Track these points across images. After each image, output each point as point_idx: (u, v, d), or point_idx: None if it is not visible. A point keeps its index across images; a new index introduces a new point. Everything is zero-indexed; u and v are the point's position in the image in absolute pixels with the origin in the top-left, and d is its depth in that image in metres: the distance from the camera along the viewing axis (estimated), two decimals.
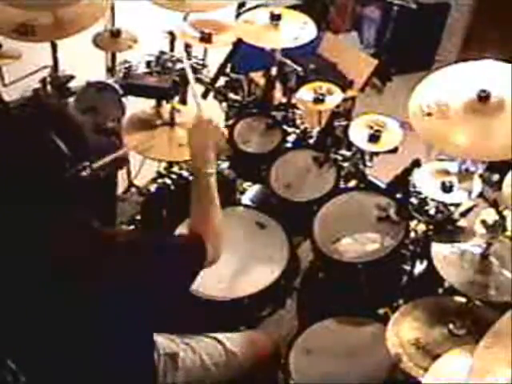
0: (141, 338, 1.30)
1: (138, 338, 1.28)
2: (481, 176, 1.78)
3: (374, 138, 1.99)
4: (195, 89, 1.65)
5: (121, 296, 1.17)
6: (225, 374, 1.56)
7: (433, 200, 1.82)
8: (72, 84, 2.12)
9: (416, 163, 1.86)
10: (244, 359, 1.58)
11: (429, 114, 1.46)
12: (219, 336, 1.60)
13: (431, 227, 1.81)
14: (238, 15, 2.62)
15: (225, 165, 2.24)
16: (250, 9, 2.56)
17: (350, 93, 3.48)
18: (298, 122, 2.31)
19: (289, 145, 2.23)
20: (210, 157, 1.47)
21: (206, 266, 1.36)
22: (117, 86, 2.02)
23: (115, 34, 2.26)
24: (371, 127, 2.00)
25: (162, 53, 2.25)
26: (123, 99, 2.02)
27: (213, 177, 1.46)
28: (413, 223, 1.86)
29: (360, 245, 1.81)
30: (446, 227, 1.75)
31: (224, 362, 1.56)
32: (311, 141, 2.26)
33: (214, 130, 1.51)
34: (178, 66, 2.26)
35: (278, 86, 2.39)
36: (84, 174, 1.17)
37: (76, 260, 1.14)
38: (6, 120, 1.19)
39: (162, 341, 1.52)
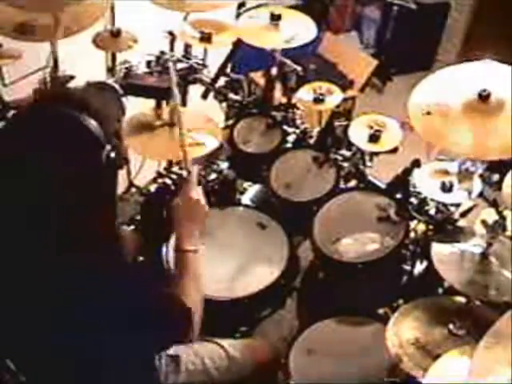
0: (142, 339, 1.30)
1: (139, 337, 1.28)
2: (481, 176, 1.78)
3: (374, 137, 1.99)
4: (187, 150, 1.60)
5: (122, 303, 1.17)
6: (226, 379, 1.56)
7: (433, 200, 1.82)
8: (72, 84, 2.12)
9: (416, 163, 1.86)
10: (244, 364, 1.58)
11: (428, 113, 1.46)
12: (221, 341, 1.61)
13: (431, 227, 1.81)
14: (238, 15, 2.62)
15: (225, 165, 2.24)
16: (249, 9, 2.56)
17: (350, 93, 3.48)
18: (298, 122, 2.31)
19: (289, 145, 2.23)
20: (194, 234, 1.41)
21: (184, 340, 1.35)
22: (117, 86, 2.02)
23: (115, 33, 2.26)
24: (371, 127, 2.00)
25: (162, 53, 2.25)
26: (123, 99, 2.03)
27: (195, 253, 1.38)
28: (413, 223, 1.86)
29: (360, 245, 1.81)
30: (446, 227, 1.75)
31: (225, 366, 1.57)
32: (311, 141, 2.26)
33: (201, 209, 1.45)
34: (178, 65, 2.26)
35: (278, 85, 2.39)
36: (112, 155, 1.15)
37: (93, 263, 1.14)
38: (36, 112, 1.17)
39: None
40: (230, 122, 2.35)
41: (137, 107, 2.10)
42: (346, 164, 2.10)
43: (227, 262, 1.76)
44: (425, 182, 1.83)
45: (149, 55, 2.24)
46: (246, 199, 2.26)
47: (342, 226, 1.87)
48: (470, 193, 1.72)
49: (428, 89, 1.54)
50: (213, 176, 2.18)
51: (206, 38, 2.22)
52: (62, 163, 1.09)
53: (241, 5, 2.89)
